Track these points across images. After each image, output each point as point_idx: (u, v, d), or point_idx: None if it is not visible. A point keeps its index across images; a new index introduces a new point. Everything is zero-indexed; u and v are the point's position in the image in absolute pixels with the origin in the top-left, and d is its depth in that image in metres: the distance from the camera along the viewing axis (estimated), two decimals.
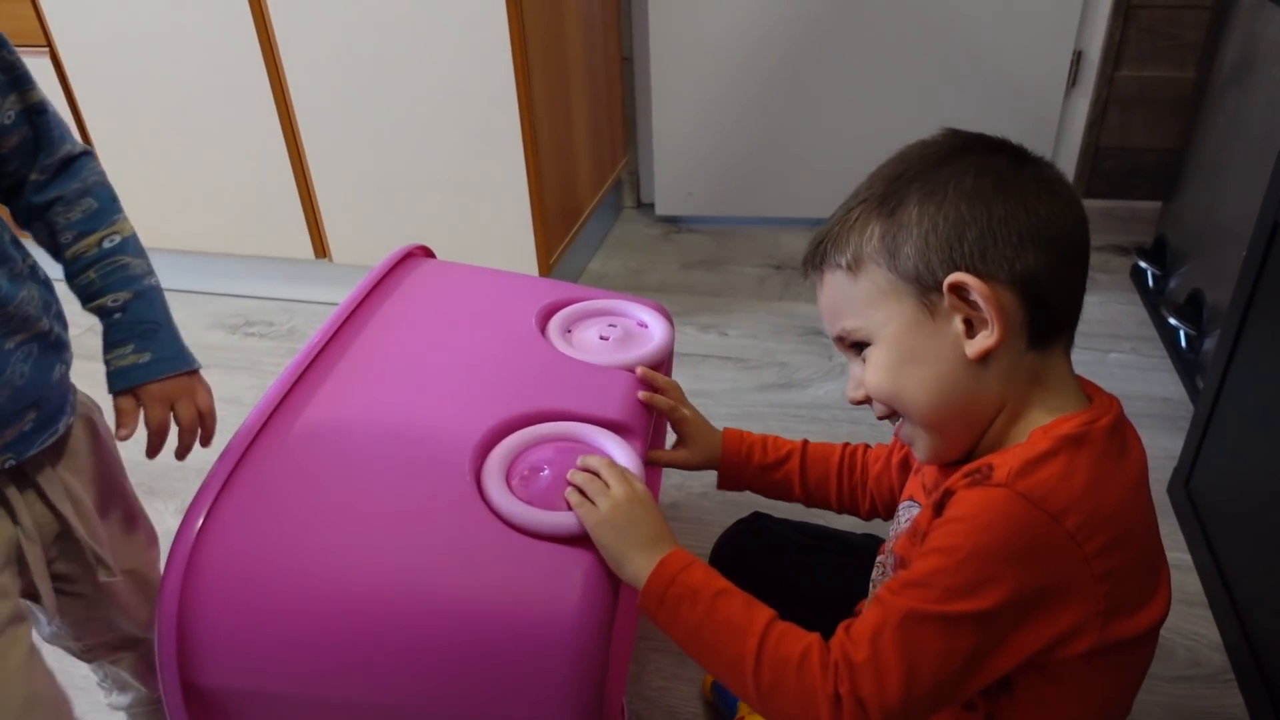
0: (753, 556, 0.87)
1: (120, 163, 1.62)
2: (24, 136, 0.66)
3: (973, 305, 0.56)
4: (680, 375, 1.09)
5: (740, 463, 0.85)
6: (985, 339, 0.56)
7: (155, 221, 1.67)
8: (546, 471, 0.72)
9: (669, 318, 0.99)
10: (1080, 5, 1.68)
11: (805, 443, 0.86)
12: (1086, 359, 1.48)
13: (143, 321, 0.69)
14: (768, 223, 1.98)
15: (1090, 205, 1.60)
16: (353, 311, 0.90)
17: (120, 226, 0.71)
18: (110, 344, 0.69)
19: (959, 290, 0.56)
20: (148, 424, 0.69)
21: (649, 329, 0.97)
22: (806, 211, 1.93)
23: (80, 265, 0.69)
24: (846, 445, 0.85)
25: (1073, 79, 1.76)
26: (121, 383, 0.69)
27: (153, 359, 0.69)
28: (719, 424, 0.88)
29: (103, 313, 0.69)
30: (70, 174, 0.69)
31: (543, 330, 0.93)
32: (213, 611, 0.64)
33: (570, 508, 0.68)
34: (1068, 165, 1.84)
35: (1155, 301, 1.60)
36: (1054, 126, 1.80)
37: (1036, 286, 0.56)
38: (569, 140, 1.65)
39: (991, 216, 0.56)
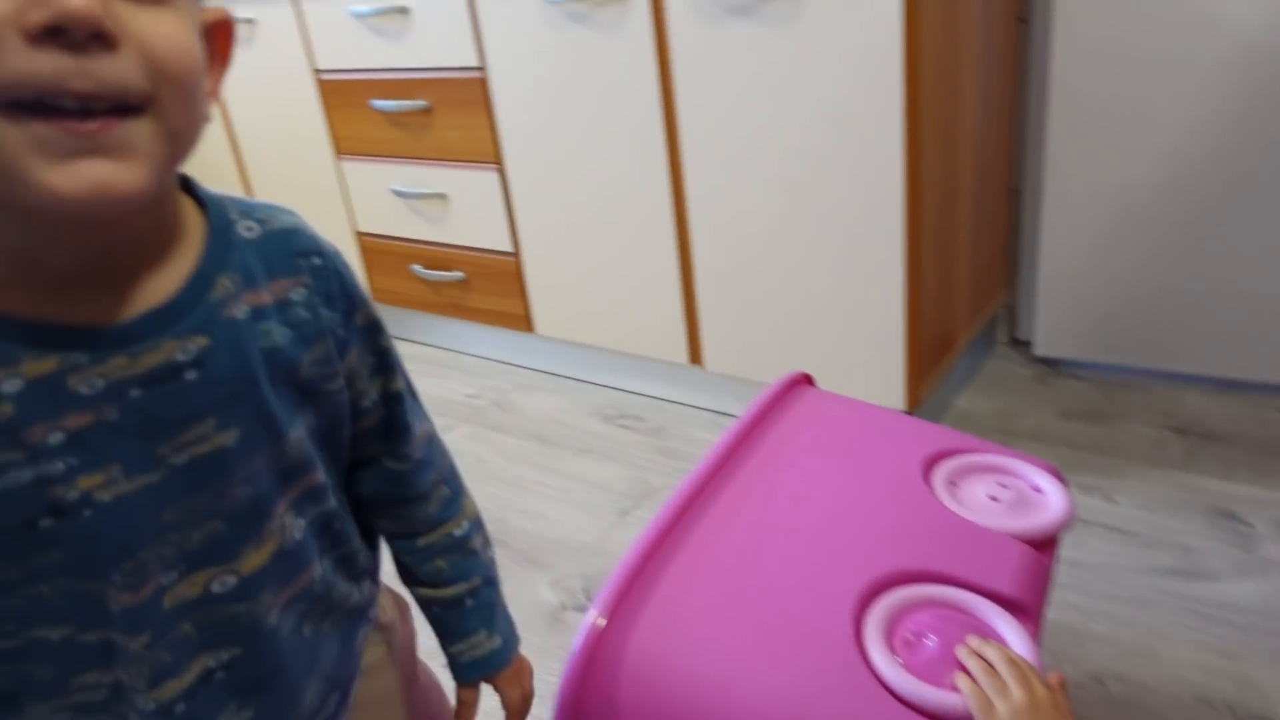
0: None
1: (542, 263, 1.87)
2: (379, 418, 0.64)
3: None
4: None
5: None
6: None
7: (559, 313, 1.90)
8: (932, 640, 0.68)
9: (1066, 485, 0.91)
10: None
11: None
12: None
13: (489, 605, 0.70)
14: (1168, 378, 1.76)
15: None
16: (742, 436, 0.94)
17: (467, 509, 0.70)
18: (462, 632, 0.69)
19: None
20: (509, 705, 0.71)
21: (1044, 495, 0.90)
22: (1218, 370, 1.68)
23: (429, 554, 0.68)
24: None
25: None
26: (477, 673, 0.69)
27: (503, 644, 0.70)
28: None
29: (451, 602, 0.68)
30: (427, 465, 0.67)
31: (927, 479, 0.90)
32: (603, 708, 0.68)
33: (958, 690, 0.63)
34: None
35: None
36: None
37: None
38: (950, 271, 1.62)
39: None
